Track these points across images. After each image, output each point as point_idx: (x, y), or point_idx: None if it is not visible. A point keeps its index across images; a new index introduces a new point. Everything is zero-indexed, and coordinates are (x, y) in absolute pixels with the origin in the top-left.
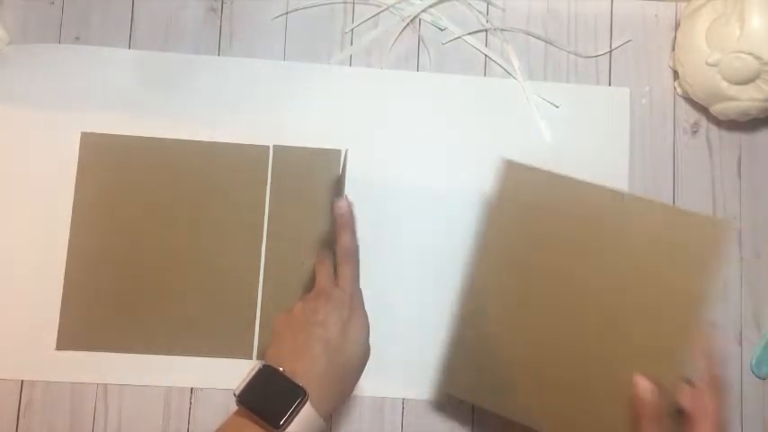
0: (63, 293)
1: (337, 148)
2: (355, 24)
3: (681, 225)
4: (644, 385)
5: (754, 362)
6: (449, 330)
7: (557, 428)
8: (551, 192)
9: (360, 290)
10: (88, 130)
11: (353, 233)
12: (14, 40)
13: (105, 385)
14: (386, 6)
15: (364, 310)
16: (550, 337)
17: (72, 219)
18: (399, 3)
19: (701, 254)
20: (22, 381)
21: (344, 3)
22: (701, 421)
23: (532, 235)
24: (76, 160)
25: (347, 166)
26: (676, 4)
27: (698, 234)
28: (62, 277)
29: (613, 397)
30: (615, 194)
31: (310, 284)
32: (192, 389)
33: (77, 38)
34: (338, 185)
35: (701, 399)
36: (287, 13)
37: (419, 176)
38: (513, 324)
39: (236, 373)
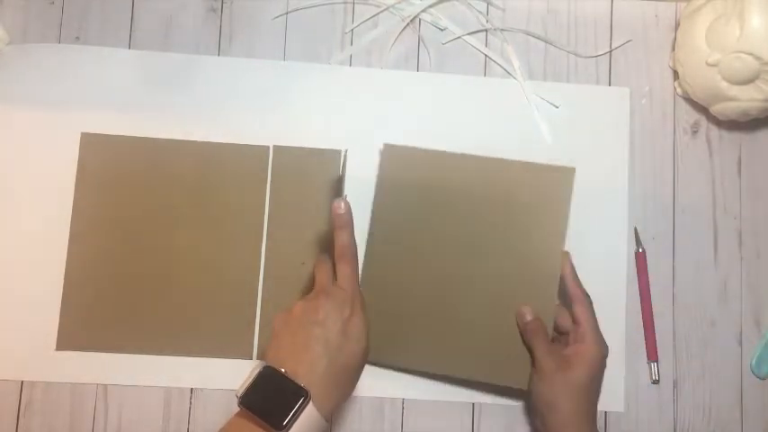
0: (63, 294)
1: (337, 148)
2: (355, 24)
3: (535, 176)
4: (527, 310)
5: (754, 362)
6: None
7: (462, 369)
8: (426, 164)
9: (359, 288)
10: (88, 131)
11: (351, 233)
12: (14, 40)
13: (105, 386)
14: (386, 6)
15: (364, 309)
16: (446, 289)
17: (72, 219)
18: (399, 3)
19: (555, 198)
20: (22, 381)
21: (344, 3)
22: (579, 327)
23: (415, 206)
24: (76, 160)
25: (347, 166)
26: (676, 4)
27: (550, 182)
28: (62, 277)
29: (507, 330)
30: (480, 160)
31: (310, 286)
32: (191, 389)
33: (77, 38)
34: (337, 186)
35: (574, 311)
36: (287, 13)
37: None
38: (407, 285)
39: (236, 373)
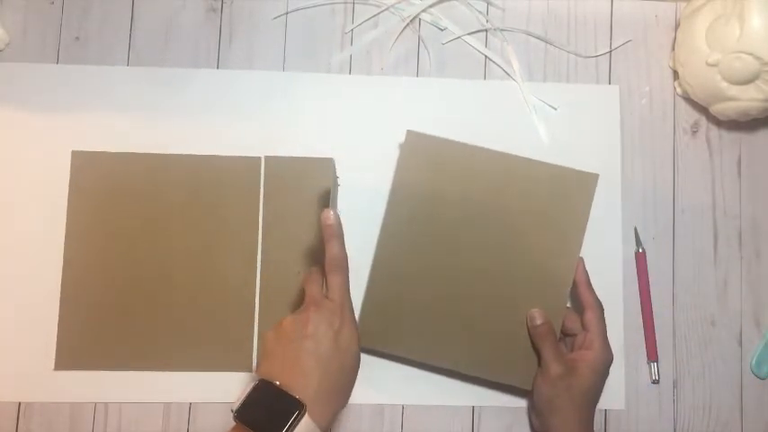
0: (60, 313)
1: (330, 156)
2: (355, 24)
3: (558, 179)
4: (537, 314)
5: (754, 362)
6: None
7: (467, 364)
8: (448, 155)
9: (350, 299)
10: (79, 148)
11: (342, 243)
12: (14, 40)
13: (105, 404)
14: (386, 6)
15: (354, 319)
16: (456, 283)
17: (66, 237)
18: (399, 3)
19: (575, 203)
20: (20, 403)
21: (344, 3)
22: (588, 333)
23: (433, 196)
24: (68, 179)
25: (337, 176)
26: (676, 4)
27: (572, 186)
28: (58, 297)
29: (515, 329)
30: (503, 156)
31: (301, 299)
32: (190, 404)
33: (77, 38)
34: (326, 196)
35: (585, 316)
36: (287, 14)
37: None
38: (419, 275)
39: (234, 386)
